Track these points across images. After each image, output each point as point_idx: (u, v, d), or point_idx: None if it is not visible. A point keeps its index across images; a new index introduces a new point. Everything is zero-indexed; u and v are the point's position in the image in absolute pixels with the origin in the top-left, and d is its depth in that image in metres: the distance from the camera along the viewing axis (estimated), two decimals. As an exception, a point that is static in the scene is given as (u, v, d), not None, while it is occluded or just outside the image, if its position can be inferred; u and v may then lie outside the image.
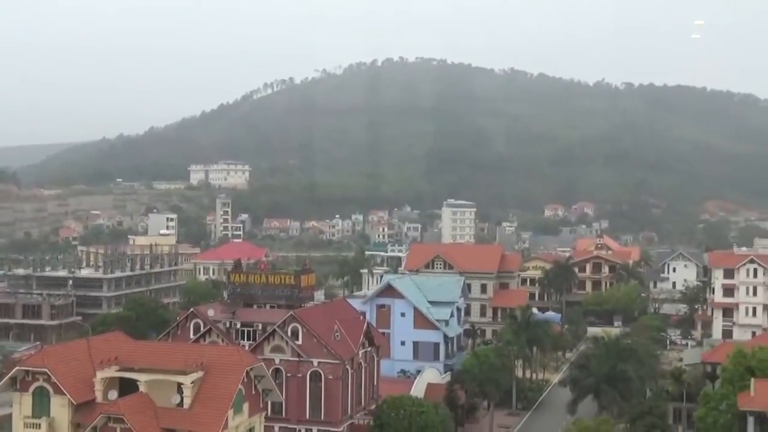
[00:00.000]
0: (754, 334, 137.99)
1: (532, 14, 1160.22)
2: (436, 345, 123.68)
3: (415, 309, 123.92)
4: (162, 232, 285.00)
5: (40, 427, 63.24)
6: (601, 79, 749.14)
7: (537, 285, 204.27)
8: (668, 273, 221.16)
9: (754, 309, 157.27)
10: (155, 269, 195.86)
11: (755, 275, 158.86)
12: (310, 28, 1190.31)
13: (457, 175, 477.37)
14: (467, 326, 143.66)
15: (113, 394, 64.19)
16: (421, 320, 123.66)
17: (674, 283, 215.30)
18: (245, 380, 66.40)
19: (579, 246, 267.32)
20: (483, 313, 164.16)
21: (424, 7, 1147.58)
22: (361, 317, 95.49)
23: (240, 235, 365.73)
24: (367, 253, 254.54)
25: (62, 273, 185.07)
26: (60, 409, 63.52)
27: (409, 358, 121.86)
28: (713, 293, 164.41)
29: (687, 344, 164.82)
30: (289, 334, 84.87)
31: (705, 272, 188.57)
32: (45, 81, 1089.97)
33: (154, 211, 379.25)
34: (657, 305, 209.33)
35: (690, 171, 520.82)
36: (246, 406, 67.00)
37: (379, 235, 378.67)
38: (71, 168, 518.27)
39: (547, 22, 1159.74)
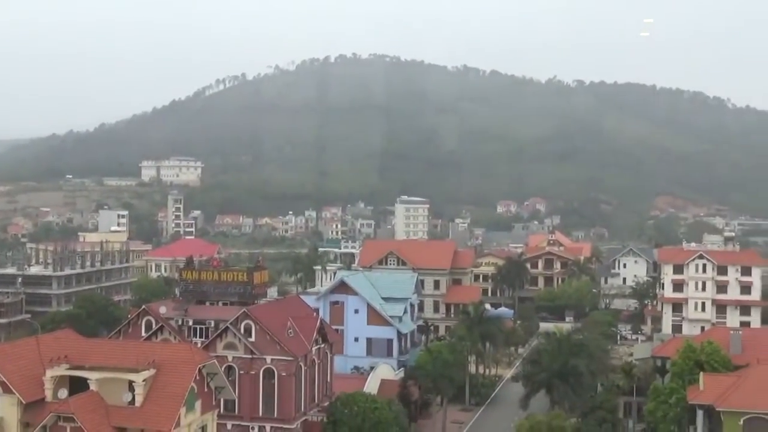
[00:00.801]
0: (702, 328, 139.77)
1: (485, 12, 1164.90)
2: (390, 341, 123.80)
3: (369, 305, 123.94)
4: (113, 229, 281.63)
5: (-12, 427, 62.41)
6: (553, 77, 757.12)
7: (490, 281, 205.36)
8: (619, 269, 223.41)
9: (703, 304, 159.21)
10: (106, 266, 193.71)
11: (704, 271, 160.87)
12: (263, 23, 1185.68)
13: (410, 171, 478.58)
14: (420, 322, 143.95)
15: (63, 393, 63.40)
16: (375, 317, 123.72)
17: (625, 279, 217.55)
18: (197, 378, 65.99)
19: (531, 242, 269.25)
20: (436, 309, 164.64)
21: (378, 3, 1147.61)
22: (315, 314, 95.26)
23: (192, 231, 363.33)
24: (320, 249, 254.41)
25: (11, 270, 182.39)
26: (9, 408, 62.69)
27: (362, 354, 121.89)
28: (663, 289, 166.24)
29: (637, 339, 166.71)
30: (242, 331, 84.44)
31: (655, 268, 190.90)
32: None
33: (105, 207, 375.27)
34: (608, 301, 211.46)
35: (640, 168, 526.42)
36: (198, 404, 66.60)
37: (332, 232, 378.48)
38: (20, 165, 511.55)
39: (500, 19, 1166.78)
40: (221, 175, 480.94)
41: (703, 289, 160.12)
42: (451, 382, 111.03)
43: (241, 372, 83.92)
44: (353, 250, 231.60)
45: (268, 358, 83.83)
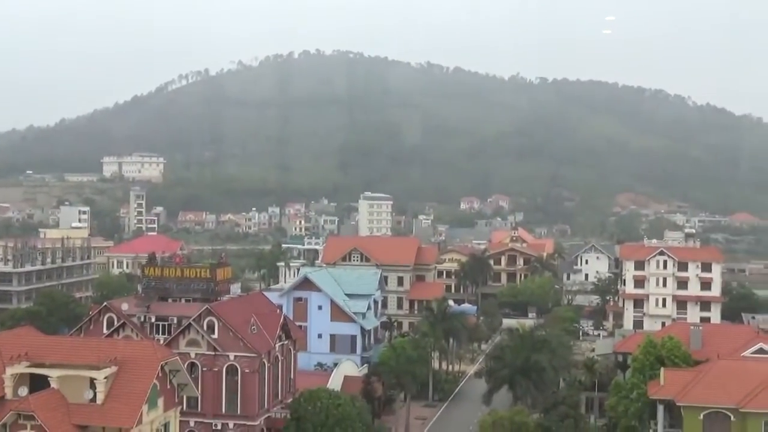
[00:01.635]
0: (663, 324, 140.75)
1: (449, 9, 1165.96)
2: (353, 338, 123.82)
3: (332, 302, 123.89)
4: (74, 225, 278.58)
5: (-54, 425, 61.75)
6: (516, 74, 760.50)
7: (453, 277, 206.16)
8: (581, 265, 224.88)
9: (664, 300, 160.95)
10: (67, 263, 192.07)
11: (665, 267, 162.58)
12: (227, 19, 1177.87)
13: (373, 168, 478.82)
14: (384, 319, 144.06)
15: (23, 391, 62.83)
16: (338, 313, 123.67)
17: (587, 275, 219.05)
18: (160, 375, 65.67)
19: (494, 239, 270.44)
20: (400, 306, 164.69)
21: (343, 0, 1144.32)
22: (278, 310, 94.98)
23: (154, 228, 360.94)
24: (283, 246, 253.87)
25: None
26: (-32, 406, 62.01)
27: (326, 350, 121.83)
28: (624, 285, 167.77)
29: (599, 335, 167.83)
30: (205, 327, 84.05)
31: (616, 264, 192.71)
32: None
33: (66, 203, 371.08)
34: (570, 297, 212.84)
35: (602, 165, 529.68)
36: (161, 401, 66.29)
37: (295, 228, 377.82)
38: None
39: (463, 16, 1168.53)
40: (184, 171, 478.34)
41: (664, 285, 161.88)
42: (415, 378, 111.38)
43: (204, 369, 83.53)
44: (317, 247, 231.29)
45: (231, 355, 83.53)
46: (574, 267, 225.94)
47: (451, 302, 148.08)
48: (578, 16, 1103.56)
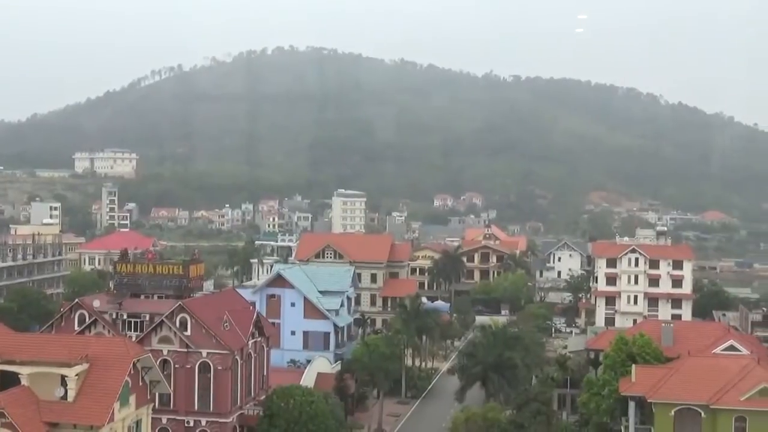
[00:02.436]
0: (635, 321, 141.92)
1: (423, 5, 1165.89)
2: (327, 334, 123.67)
3: (306, 299, 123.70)
4: (45, 221, 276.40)
5: None
6: (489, 71, 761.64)
7: (426, 274, 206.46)
8: (554, 262, 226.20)
9: (635, 297, 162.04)
10: (38, 259, 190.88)
11: (636, 264, 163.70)
12: (200, 15, 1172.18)
13: (347, 164, 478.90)
14: (357, 316, 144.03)
15: (-6, 388, 62.39)
16: (312, 310, 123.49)
17: (559, 273, 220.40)
18: (132, 372, 65.40)
19: (467, 236, 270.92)
20: (373, 303, 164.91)
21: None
22: (251, 307, 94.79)
23: (127, 224, 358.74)
24: (257, 242, 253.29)
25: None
26: (-63, 404, 61.39)
27: (299, 347, 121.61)
28: (596, 282, 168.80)
29: (571, 332, 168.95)
30: (178, 324, 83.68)
31: (589, 262, 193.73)
32: None
33: (37, 199, 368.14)
34: (543, 294, 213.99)
35: (575, 162, 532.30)
36: (133, 398, 66.01)
37: (269, 225, 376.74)
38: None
39: (437, 13, 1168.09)
40: (156, 167, 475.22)
41: (636, 282, 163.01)
42: (388, 375, 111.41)
43: (177, 366, 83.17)
44: (290, 244, 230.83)
45: (204, 352, 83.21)
46: (547, 264, 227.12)
47: (424, 299, 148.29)
48: (551, 15, 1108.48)
